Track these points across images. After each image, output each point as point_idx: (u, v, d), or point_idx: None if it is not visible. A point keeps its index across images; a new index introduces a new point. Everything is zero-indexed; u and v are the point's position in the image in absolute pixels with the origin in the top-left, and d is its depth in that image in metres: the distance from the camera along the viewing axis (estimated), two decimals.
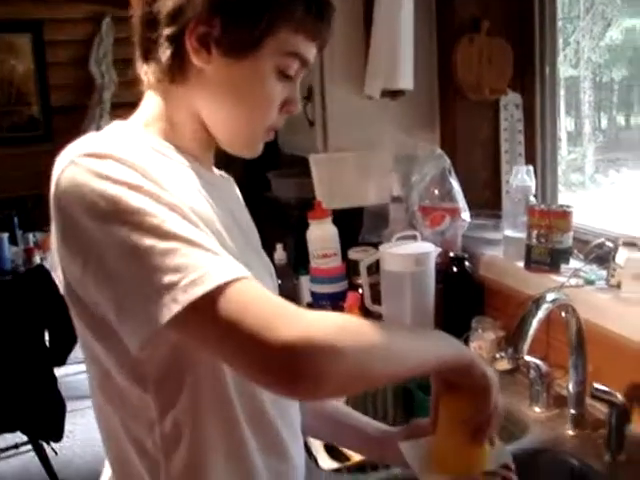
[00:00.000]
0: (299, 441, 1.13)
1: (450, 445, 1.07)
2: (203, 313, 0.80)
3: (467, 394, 1.01)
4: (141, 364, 0.93)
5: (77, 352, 3.09)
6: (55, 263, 0.94)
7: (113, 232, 0.83)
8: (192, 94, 1.00)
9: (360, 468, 1.61)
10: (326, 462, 1.59)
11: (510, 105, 2.35)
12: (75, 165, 0.88)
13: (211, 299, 0.80)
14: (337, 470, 1.56)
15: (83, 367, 1.04)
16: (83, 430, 4.01)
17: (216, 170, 1.12)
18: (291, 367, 0.78)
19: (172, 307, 0.79)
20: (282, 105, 1.02)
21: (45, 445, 3.60)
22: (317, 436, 1.42)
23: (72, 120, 5.18)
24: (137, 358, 0.91)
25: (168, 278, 0.80)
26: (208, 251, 0.83)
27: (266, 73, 0.98)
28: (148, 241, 0.82)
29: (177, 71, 0.99)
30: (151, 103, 1.03)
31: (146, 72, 1.02)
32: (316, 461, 1.56)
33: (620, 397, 1.42)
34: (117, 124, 1.01)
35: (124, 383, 0.95)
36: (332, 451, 1.65)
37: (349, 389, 0.93)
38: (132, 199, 0.84)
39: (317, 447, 1.62)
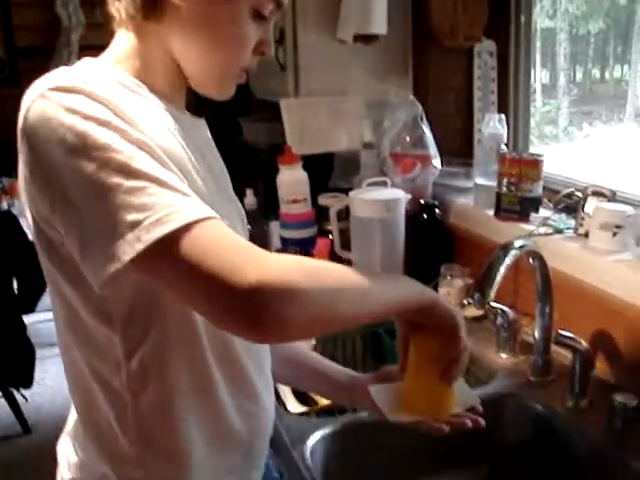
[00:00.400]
0: (269, 383, 1.14)
1: (419, 387, 1.08)
2: (166, 253, 0.79)
3: (434, 334, 1.02)
4: (108, 303, 0.92)
5: (47, 299, 3.08)
6: (23, 205, 0.92)
7: (80, 168, 0.81)
8: (166, 31, 0.97)
9: (328, 412, 1.62)
10: (294, 406, 1.59)
11: (484, 53, 2.33)
12: (45, 99, 0.85)
13: (175, 239, 0.78)
14: (305, 414, 1.57)
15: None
16: (53, 377, 4.01)
17: (187, 112, 1.09)
18: (255, 310, 0.77)
19: (135, 246, 0.78)
20: (255, 46, 1.00)
21: (15, 392, 3.60)
22: (285, 381, 1.43)
23: (39, 63, 5.06)
24: (104, 297, 0.90)
25: (133, 216, 0.79)
26: (175, 191, 0.82)
27: (242, 12, 0.96)
28: (114, 179, 0.80)
29: (151, 7, 0.95)
30: (123, 40, 1.00)
31: (118, 8, 0.98)
32: (284, 405, 1.57)
33: (584, 344, 1.43)
34: (87, 60, 0.98)
35: (91, 322, 0.94)
36: (300, 396, 1.66)
37: (314, 331, 0.93)
38: (101, 135, 0.82)
39: (285, 392, 1.63)
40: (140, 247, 0.78)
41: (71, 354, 1.00)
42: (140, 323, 0.94)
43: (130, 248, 0.78)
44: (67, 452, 1.08)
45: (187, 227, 0.79)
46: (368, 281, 0.90)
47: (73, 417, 1.08)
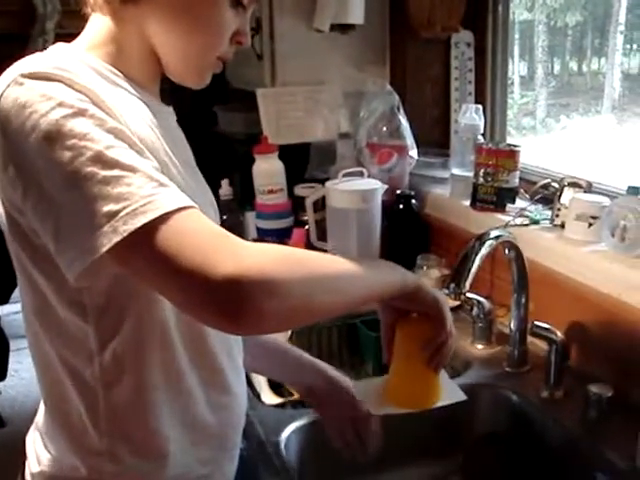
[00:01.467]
0: (241, 374, 1.13)
1: (404, 377, 1.07)
2: (143, 244, 0.77)
3: (420, 321, 1.01)
4: (82, 294, 0.91)
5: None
6: None
7: (55, 157, 0.79)
8: (144, 16, 0.95)
9: (303, 403, 1.61)
10: (269, 397, 1.58)
11: (461, 43, 2.32)
12: (18, 85, 0.83)
13: (152, 230, 0.77)
14: (280, 405, 1.56)
15: None
16: (28, 369, 3.96)
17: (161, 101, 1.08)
18: (233, 302, 0.75)
19: (111, 237, 0.76)
20: (233, 36, 0.99)
21: None
22: (258, 371, 1.41)
23: (13, 50, 5.00)
24: (78, 289, 0.89)
25: (109, 207, 0.77)
26: (152, 180, 0.80)
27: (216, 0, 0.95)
28: (90, 168, 0.78)
29: None
30: (98, 25, 0.97)
31: None
32: (259, 397, 1.56)
33: (560, 335, 1.43)
34: (61, 46, 0.96)
35: (64, 314, 0.93)
36: (276, 387, 1.65)
37: (294, 322, 0.91)
38: (76, 123, 0.80)
39: (261, 383, 1.62)
40: (117, 239, 0.76)
41: (40, 345, 0.98)
42: (114, 314, 0.92)
43: (106, 240, 0.76)
44: (36, 445, 1.06)
45: (164, 217, 0.77)
46: (349, 268, 0.89)
47: (42, 409, 1.06)
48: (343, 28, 2.23)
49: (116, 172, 0.78)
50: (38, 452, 1.05)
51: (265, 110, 2.27)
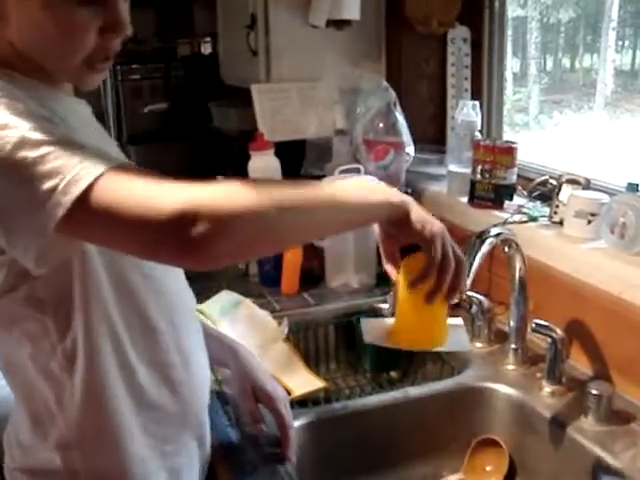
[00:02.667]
0: (198, 351, 1.14)
1: (406, 317, 1.07)
2: (89, 208, 0.78)
3: (422, 258, 1.00)
4: (37, 289, 0.93)
5: None
6: None
7: None
8: (11, 32, 0.92)
9: (301, 403, 1.60)
10: None
11: (458, 39, 2.31)
12: None
13: (93, 192, 0.78)
14: None
15: None
16: None
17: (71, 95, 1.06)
18: (186, 232, 0.75)
19: (57, 211, 0.78)
20: (101, 31, 0.94)
21: None
22: None
23: None
24: (33, 285, 0.91)
25: (47, 184, 0.78)
26: (80, 148, 0.81)
27: (62, 1, 0.90)
28: (19, 154, 0.79)
29: None
30: None
31: None
32: None
33: (560, 332, 1.42)
34: None
35: (22, 311, 0.94)
36: None
37: (252, 249, 0.88)
38: None
39: None
40: (62, 211, 0.77)
41: (4, 342, 1.00)
42: (68, 303, 0.94)
43: (53, 214, 0.78)
44: (11, 441, 1.08)
45: (101, 177, 0.78)
46: (318, 192, 0.89)
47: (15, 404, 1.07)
48: (339, 24, 2.22)
49: (43, 150, 0.79)
50: (13, 447, 1.07)
51: (260, 106, 2.26)
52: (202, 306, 1.71)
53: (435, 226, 0.99)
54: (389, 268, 1.08)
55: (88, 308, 0.95)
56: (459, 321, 1.20)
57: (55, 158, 0.79)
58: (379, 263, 1.98)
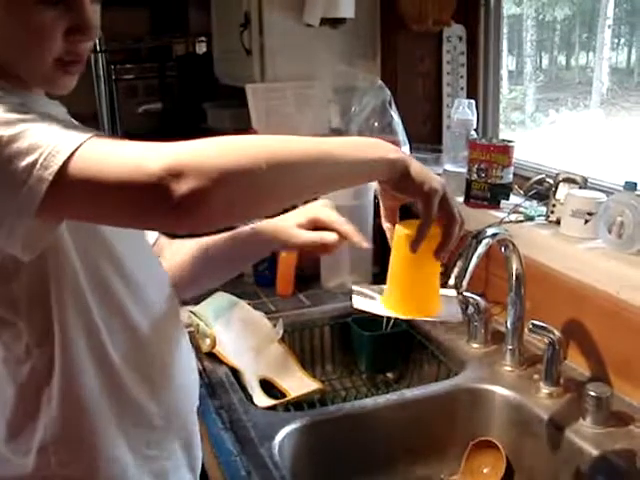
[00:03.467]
0: (182, 353, 1.12)
1: (398, 283, 1.07)
2: (71, 180, 0.76)
3: (416, 224, 1.00)
4: (11, 290, 0.91)
5: None
6: None
7: None
8: None
9: (296, 405, 1.59)
10: (261, 400, 1.55)
11: (453, 37, 2.29)
12: None
13: (74, 163, 0.76)
14: (272, 408, 1.53)
15: None
16: None
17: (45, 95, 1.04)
18: (170, 195, 0.73)
19: (40, 187, 0.75)
20: (68, 32, 0.91)
21: None
22: (226, 274, 1.37)
23: None
24: (8, 287, 0.90)
25: (25, 161, 0.76)
26: (56, 122, 0.80)
27: (23, 4, 0.88)
28: None
29: None
30: None
31: None
32: (251, 399, 1.53)
33: (557, 333, 1.41)
34: None
35: None
36: (268, 389, 1.63)
37: (246, 209, 0.84)
38: None
39: (253, 385, 1.59)
40: (44, 186, 0.75)
41: None
42: (44, 304, 0.92)
43: (36, 190, 0.76)
44: None
45: (81, 147, 0.76)
46: (314, 148, 0.87)
47: None
48: (333, 22, 2.21)
49: (20, 127, 0.78)
50: None
51: (254, 106, 2.25)
52: (196, 308, 1.69)
53: (435, 182, 0.97)
54: (388, 227, 1.08)
55: (64, 309, 0.93)
56: (452, 292, 1.19)
57: (31, 135, 0.77)
58: (375, 263, 1.97)
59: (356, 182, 1.00)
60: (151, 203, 0.75)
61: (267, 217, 1.20)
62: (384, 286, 1.12)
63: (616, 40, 4.21)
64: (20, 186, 0.76)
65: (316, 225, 1.17)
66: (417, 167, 0.96)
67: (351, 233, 1.12)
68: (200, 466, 1.19)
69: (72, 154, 0.76)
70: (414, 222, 1.02)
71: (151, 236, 1.21)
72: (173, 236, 1.24)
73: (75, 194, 0.78)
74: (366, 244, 1.09)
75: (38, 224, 0.79)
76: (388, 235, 1.08)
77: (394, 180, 0.95)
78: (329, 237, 1.13)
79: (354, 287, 1.16)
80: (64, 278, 0.92)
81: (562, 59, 5.01)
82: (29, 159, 0.76)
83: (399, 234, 1.04)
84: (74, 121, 1.05)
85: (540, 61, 4.96)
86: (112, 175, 0.75)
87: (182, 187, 0.73)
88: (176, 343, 1.11)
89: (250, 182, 0.78)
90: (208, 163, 0.75)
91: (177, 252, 1.24)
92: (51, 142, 0.76)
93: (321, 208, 1.19)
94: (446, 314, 1.13)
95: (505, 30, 3.47)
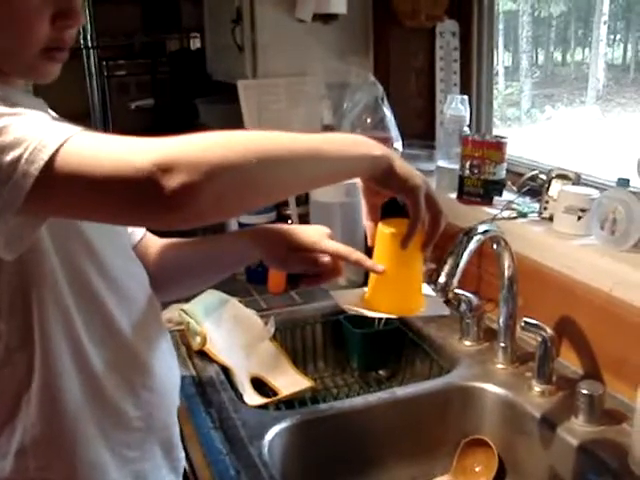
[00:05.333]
0: (162, 354, 1.11)
1: (384, 282, 1.06)
2: (58, 175, 0.74)
3: (400, 222, 1.00)
4: None
5: None
6: None
7: None
8: None
9: (287, 404, 1.58)
10: (252, 398, 1.54)
11: (447, 33, 2.28)
12: None
13: (60, 158, 0.74)
14: (263, 407, 1.52)
15: None
16: None
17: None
18: (160, 190, 0.72)
19: (25, 182, 0.74)
20: (54, 18, 0.91)
21: None
22: (212, 279, 1.35)
23: None
24: None
25: (10, 156, 0.74)
26: (39, 118, 0.79)
27: None
28: None
29: None
30: None
31: None
32: (241, 398, 1.52)
33: (549, 330, 1.40)
34: None
35: None
36: (259, 387, 1.61)
37: (235, 203, 0.83)
38: None
39: (244, 384, 1.58)
40: (30, 181, 0.74)
41: None
42: (22, 305, 0.91)
43: (22, 185, 0.74)
44: None
45: (67, 141, 0.75)
46: (300, 145, 0.86)
47: None
48: (325, 18, 2.20)
49: (4, 121, 0.76)
50: None
51: (246, 102, 2.23)
52: (187, 306, 1.68)
53: (418, 178, 0.98)
54: (369, 225, 1.07)
55: (45, 311, 0.92)
56: (429, 289, 1.18)
57: (16, 129, 0.75)
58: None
59: (342, 178, 0.99)
60: (140, 198, 0.74)
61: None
62: (361, 289, 1.11)
63: (612, 36, 4.21)
64: (4, 182, 0.74)
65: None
66: (401, 163, 0.97)
67: (362, 260, 1.09)
68: (182, 468, 1.17)
69: (58, 148, 0.74)
70: (395, 220, 1.03)
71: (138, 233, 1.20)
72: (161, 234, 1.23)
73: (62, 190, 0.76)
74: (381, 267, 1.07)
75: (22, 221, 0.78)
76: (369, 233, 1.07)
77: (379, 176, 0.95)
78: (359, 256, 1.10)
79: (332, 292, 1.14)
80: (43, 278, 0.91)
81: (558, 55, 5.00)
82: (14, 154, 0.74)
83: (384, 232, 1.03)
84: (53, 113, 1.04)
85: (536, 57, 4.96)
86: (100, 170, 0.74)
87: (172, 182, 0.72)
88: (156, 344, 1.10)
89: (240, 176, 0.78)
90: (198, 157, 0.74)
91: (162, 251, 1.23)
92: (37, 136, 0.75)
93: (325, 237, 1.15)
94: (434, 308, 1.13)
95: (501, 26, 3.47)
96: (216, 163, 0.75)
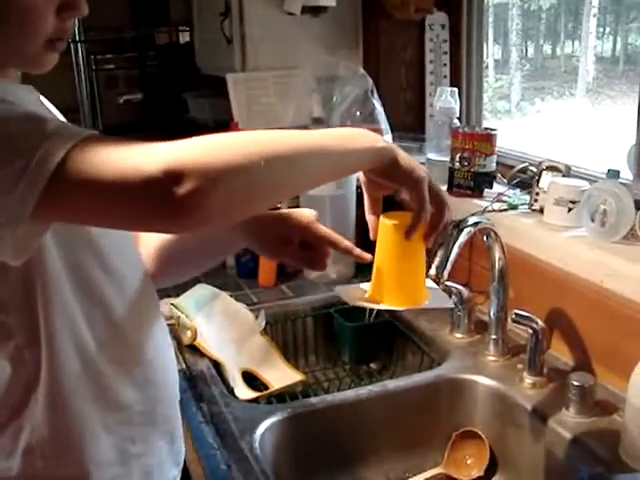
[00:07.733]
0: (165, 347, 1.12)
1: (387, 275, 1.05)
2: (66, 183, 0.73)
3: (402, 216, 1.00)
4: (0, 291, 0.89)
5: None
6: None
7: None
8: None
9: (278, 397, 1.58)
10: (243, 392, 1.54)
11: (436, 25, 2.27)
12: None
13: (68, 165, 0.73)
14: (254, 400, 1.52)
15: None
16: None
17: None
18: (169, 196, 0.71)
19: (32, 192, 0.72)
20: (59, 10, 0.90)
21: None
22: (204, 265, 1.35)
23: None
24: None
25: (18, 163, 0.73)
26: (48, 121, 0.77)
27: None
28: None
29: None
30: None
31: None
32: (233, 392, 1.51)
33: (540, 322, 1.40)
34: None
35: None
36: (250, 381, 1.61)
37: (245, 206, 0.83)
38: None
39: (235, 377, 1.58)
40: (37, 191, 0.72)
41: None
42: (29, 304, 0.90)
43: (30, 192, 0.72)
44: None
45: (75, 148, 0.73)
46: (306, 142, 0.85)
47: None
48: (315, 10, 2.20)
49: (8, 126, 0.75)
50: None
51: (235, 96, 2.23)
52: (177, 300, 1.67)
53: (422, 170, 0.97)
54: (371, 219, 1.06)
55: (50, 309, 0.91)
56: (430, 282, 1.18)
57: (24, 134, 0.74)
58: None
59: (348, 172, 0.99)
60: (150, 205, 0.74)
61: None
62: (364, 284, 1.11)
63: (601, 29, 4.20)
64: (10, 191, 0.73)
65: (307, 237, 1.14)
66: (404, 155, 0.96)
67: (350, 248, 1.10)
68: (183, 460, 1.17)
69: (66, 156, 0.73)
70: (397, 214, 1.02)
71: None
72: None
73: (69, 197, 0.75)
74: (368, 256, 1.07)
75: (29, 229, 0.76)
76: (371, 226, 1.06)
77: (383, 168, 0.94)
78: (348, 244, 1.11)
79: (336, 289, 1.14)
80: (47, 275, 0.90)
81: (548, 48, 5.00)
82: (21, 160, 0.73)
83: (387, 225, 1.03)
84: (45, 100, 1.03)
85: (526, 50, 4.95)
86: (108, 177, 0.72)
87: (181, 189, 0.71)
88: (157, 337, 1.10)
89: (249, 180, 0.77)
90: (207, 163, 0.73)
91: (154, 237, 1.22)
92: (44, 141, 0.73)
93: (314, 222, 1.15)
94: (439, 301, 1.13)
95: (491, 19, 3.46)
96: (225, 168, 0.74)
